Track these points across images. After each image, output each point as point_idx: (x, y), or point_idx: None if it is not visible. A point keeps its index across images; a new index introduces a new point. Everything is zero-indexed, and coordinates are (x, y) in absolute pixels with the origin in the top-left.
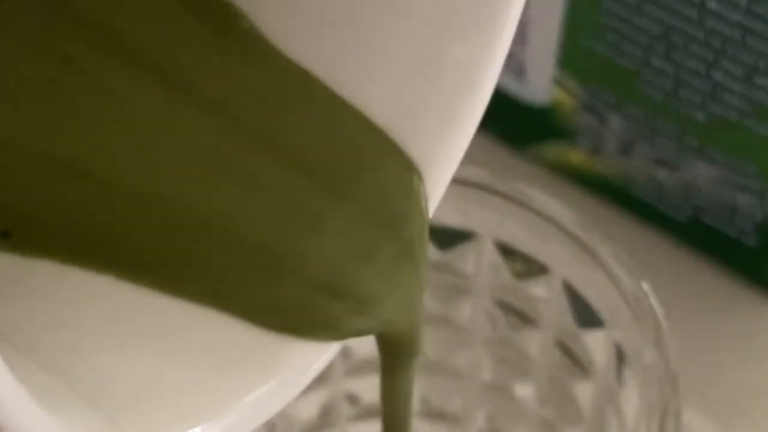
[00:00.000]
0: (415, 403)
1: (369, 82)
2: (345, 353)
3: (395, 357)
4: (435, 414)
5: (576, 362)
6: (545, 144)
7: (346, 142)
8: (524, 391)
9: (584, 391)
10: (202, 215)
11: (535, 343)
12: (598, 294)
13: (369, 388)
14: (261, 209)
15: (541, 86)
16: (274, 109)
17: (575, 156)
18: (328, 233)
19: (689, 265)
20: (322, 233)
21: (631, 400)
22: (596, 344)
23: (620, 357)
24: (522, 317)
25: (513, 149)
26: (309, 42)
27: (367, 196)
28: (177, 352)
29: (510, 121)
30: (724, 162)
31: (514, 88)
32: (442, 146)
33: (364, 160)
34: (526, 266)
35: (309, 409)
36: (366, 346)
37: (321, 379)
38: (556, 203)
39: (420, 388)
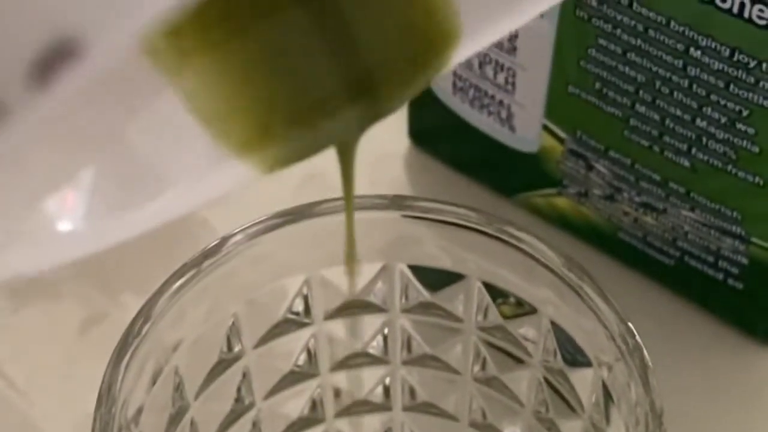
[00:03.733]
0: None
1: None
2: (336, 394)
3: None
4: None
5: (564, 401)
6: (533, 190)
7: None
8: (513, 430)
9: (572, 430)
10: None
11: (523, 383)
12: (585, 334)
13: (360, 428)
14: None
15: (529, 134)
16: None
17: (563, 202)
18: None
19: (675, 309)
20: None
21: None
22: (584, 383)
23: (607, 395)
24: (511, 357)
25: (501, 196)
26: None
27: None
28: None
29: (499, 169)
30: (709, 207)
31: (503, 135)
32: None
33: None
34: (515, 307)
35: None
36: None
37: (314, 420)
38: (543, 245)
39: (410, 428)
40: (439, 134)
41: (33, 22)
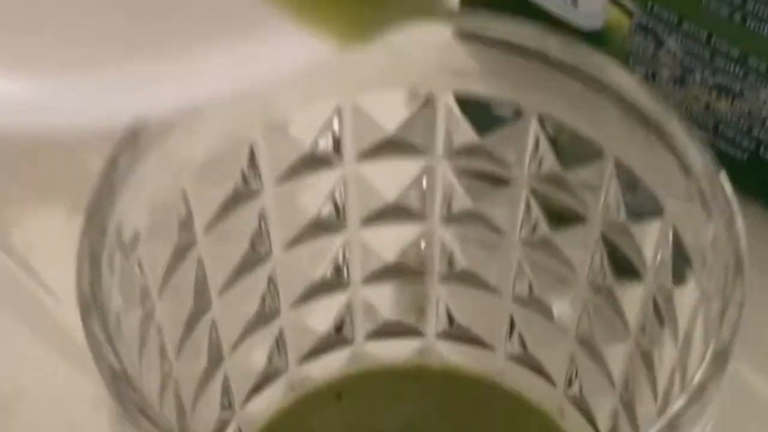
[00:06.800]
0: (439, 321)
1: None
2: (366, 313)
3: None
4: (459, 335)
5: (625, 263)
6: None
7: None
8: (562, 306)
9: (633, 299)
10: None
11: (578, 245)
12: (656, 174)
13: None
14: None
15: (593, 7)
16: None
17: None
18: None
19: (748, 210)
20: None
21: (686, 303)
22: (650, 239)
23: (679, 250)
24: (566, 213)
25: None
26: None
27: None
28: None
29: None
30: None
31: (564, 10)
32: None
33: None
34: (575, 148)
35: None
36: (388, 308)
37: (342, 341)
38: (614, 70)
39: (443, 302)
40: (493, 9)
41: None
